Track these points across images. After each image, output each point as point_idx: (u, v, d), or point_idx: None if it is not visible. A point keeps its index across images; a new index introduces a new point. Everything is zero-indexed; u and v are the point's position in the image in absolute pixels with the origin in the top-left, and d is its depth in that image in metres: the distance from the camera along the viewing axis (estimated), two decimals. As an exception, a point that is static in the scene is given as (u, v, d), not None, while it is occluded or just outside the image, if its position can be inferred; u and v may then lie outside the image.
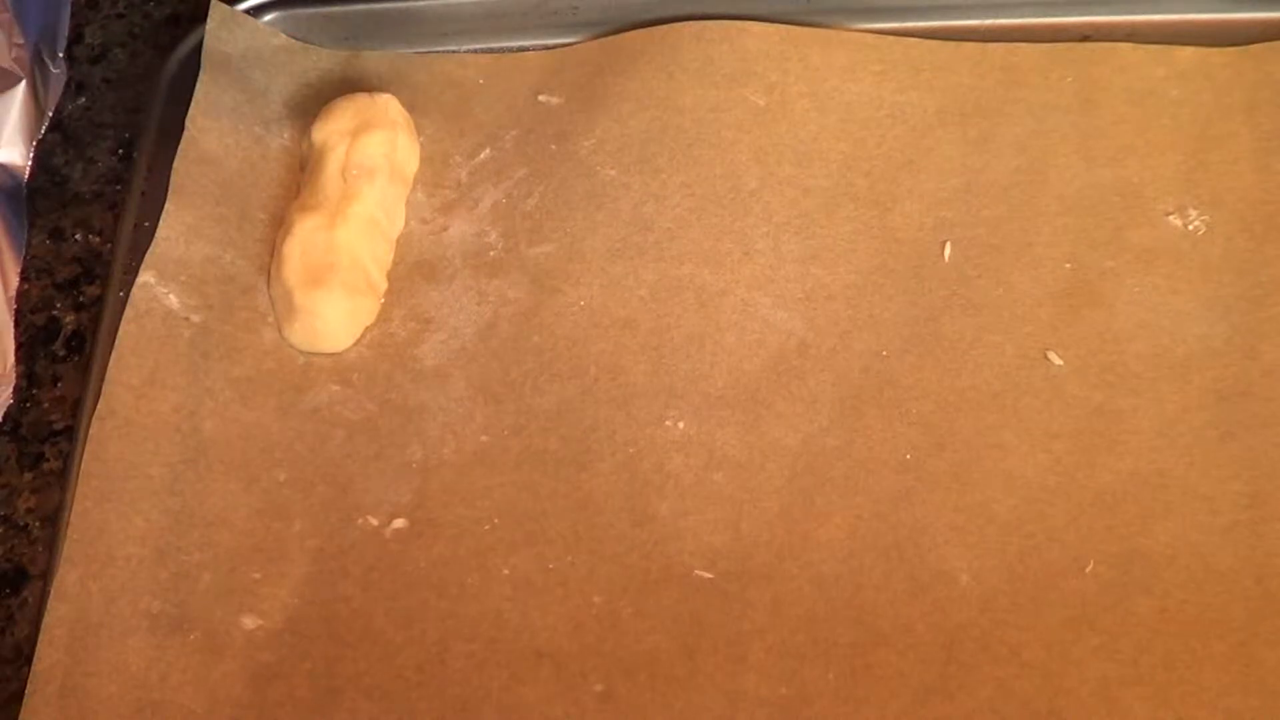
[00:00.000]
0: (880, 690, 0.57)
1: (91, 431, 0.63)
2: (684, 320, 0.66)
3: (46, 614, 0.59)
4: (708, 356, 0.65)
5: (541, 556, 0.60)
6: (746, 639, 0.58)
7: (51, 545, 0.62)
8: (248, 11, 0.74)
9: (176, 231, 0.67)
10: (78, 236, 0.70)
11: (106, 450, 0.62)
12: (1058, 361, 0.64)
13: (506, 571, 0.60)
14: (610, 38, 0.74)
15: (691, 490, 0.62)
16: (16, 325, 0.67)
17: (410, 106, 0.71)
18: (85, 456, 0.62)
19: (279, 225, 0.68)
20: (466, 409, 0.64)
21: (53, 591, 0.60)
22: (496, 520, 0.61)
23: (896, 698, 0.57)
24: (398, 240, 0.68)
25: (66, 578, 0.60)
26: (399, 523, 0.61)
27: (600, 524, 0.61)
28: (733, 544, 0.60)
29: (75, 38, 0.75)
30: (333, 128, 0.68)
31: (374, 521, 0.61)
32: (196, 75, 0.71)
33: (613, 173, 0.69)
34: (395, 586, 0.60)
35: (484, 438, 0.63)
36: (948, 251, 0.67)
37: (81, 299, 0.68)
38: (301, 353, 0.65)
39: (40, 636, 0.59)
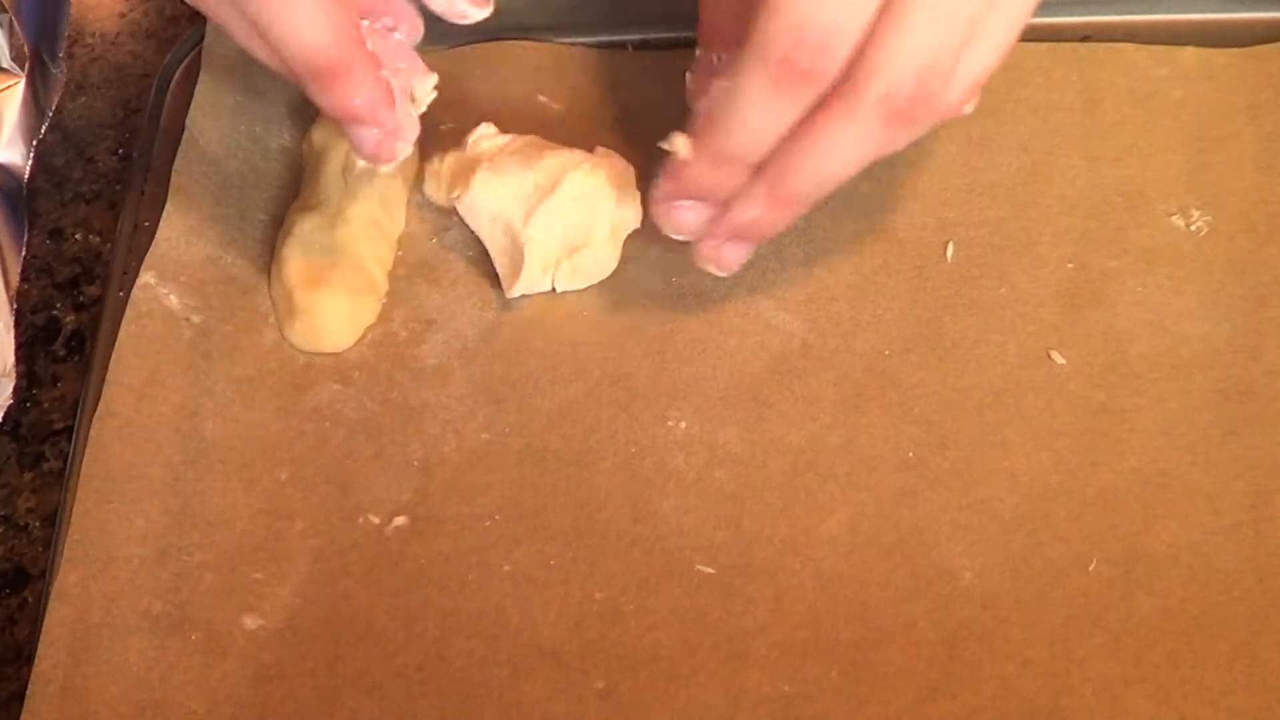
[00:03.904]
0: (883, 688, 0.57)
1: (92, 432, 0.63)
2: (687, 324, 0.66)
3: (47, 615, 0.59)
4: (710, 359, 0.65)
5: (542, 553, 0.60)
6: (749, 636, 0.58)
7: (51, 545, 0.62)
8: (248, 12, 0.74)
9: (177, 232, 0.67)
10: (78, 236, 0.70)
11: (107, 451, 0.62)
12: (1060, 361, 0.64)
13: (508, 568, 0.60)
14: (612, 51, 0.74)
15: (694, 487, 0.62)
16: (16, 325, 0.67)
17: (410, 106, 0.71)
18: (86, 457, 0.62)
19: (279, 226, 0.68)
20: (468, 407, 0.64)
21: (53, 592, 0.59)
22: (498, 517, 0.61)
23: (899, 695, 0.57)
24: (399, 240, 0.68)
25: (67, 578, 0.60)
26: (400, 520, 0.61)
27: (601, 520, 0.61)
28: (734, 539, 0.60)
29: (75, 38, 0.75)
30: (333, 128, 0.68)
31: (375, 520, 0.61)
32: (196, 75, 0.71)
33: (614, 175, 0.69)
34: (396, 584, 0.60)
35: (485, 436, 0.63)
36: (950, 251, 0.67)
37: (81, 299, 0.68)
38: (302, 353, 0.65)
39: (41, 637, 0.59)
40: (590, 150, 0.67)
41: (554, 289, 0.66)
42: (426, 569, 0.60)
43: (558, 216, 0.65)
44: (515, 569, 0.60)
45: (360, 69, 0.57)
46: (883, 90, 0.52)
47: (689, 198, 0.60)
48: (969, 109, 0.55)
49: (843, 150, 0.54)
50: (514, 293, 0.66)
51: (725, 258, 0.62)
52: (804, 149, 0.55)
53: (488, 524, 0.61)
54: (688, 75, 0.63)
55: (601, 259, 0.66)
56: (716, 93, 0.55)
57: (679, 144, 0.58)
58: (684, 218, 0.60)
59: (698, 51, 0.62)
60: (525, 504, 0.61)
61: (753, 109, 0.54)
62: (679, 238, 0.62)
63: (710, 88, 0.56)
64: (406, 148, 0.61)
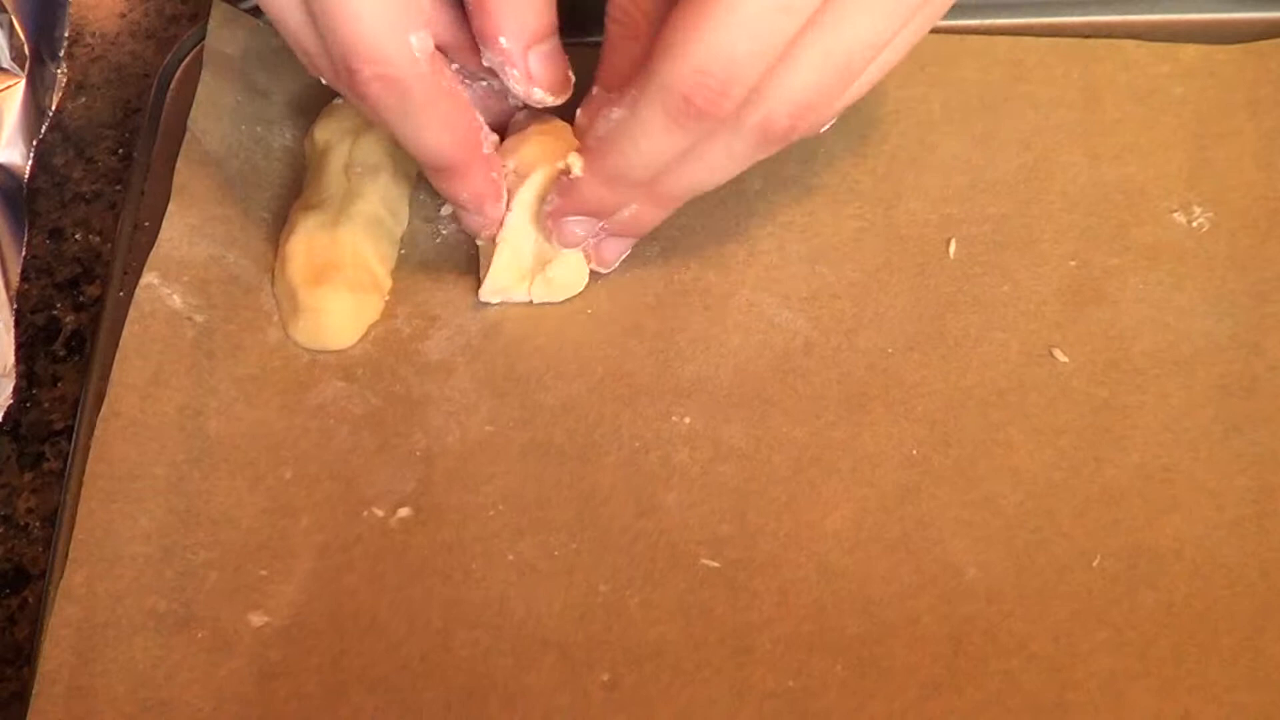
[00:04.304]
0: (888, 683, 0.57)
1: (96, 432, 0.63)
2: (690, 324, 0.66)
3: (53, 614, 0.59)
4: (713, 358, 0.65)
5: (546, 544, 0.60)
6: (754, 630, 0.58)
7: (51, 545, 0.62)
8: (249, 11, 0.74)
9: (179, 232, 0.67)
10: (78, 236, 0.70)
11: (111, 451, 0.62)
12: (1063, 358, 0.64)
13: (511, 557, 0.60)
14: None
15: (698, 481, 0.62)
16: (16, 325, 0.67)
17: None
18: (90, 457, 0.62)
19: (282, 224, 0.68)
20: (471, 400, 0.64)
21: (59, 592, 0.59)
22: (501, 506, 0.61)
23: (904, 690, 0.57)
24: (402, 238, 0.68)
25: (73, 578, 0.60)
26: (404, 511, 0.61)
27: (606, 514, 0.61)
28: (739, 533, 0.60)
29: (75, 38, 0.75)
30: (335, 126, 0.68)
31: (379, 512, 0.61)
32: (197, 75, 0.71)
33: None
34: (400, 576, 0.60)
35: (488, 428, 0.63)
36: (953, 249, 0.67)
37: (81, 299, 0.68)
38: (306, 350, 0.65)
39: (46, 637, 0.58)
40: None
41: (530, 301, 0.66)
42: (430, 559, 0.60)
43: (525, 213, 0.65)
44: (519, 558, 0.60)
45: (476, 170, 0.63)
46: (761, 117, 0.55)
47: (580, 213, 0.63)
48: (825, 128, 0.58)
49: (717, 164, 0.58)
50: (483, 295, 0.66)
51: (605, 255, 0.66)
52: (684, 162, 0.58)
53: (491, 513, 0.61)
54: (579, 111, 0.63)
55: (574, 264, 0.65)
56: (614, 121, 0.57)
57: (574, 163, 0.60)
58: (573, 231, 0.64)
59: (594, 90, 0.63)
60: (529, 496, 0.61)
61: (649, 139, 0.56)
62: (567, 249, 0.65)
63: (606, 112, 0.58)
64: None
